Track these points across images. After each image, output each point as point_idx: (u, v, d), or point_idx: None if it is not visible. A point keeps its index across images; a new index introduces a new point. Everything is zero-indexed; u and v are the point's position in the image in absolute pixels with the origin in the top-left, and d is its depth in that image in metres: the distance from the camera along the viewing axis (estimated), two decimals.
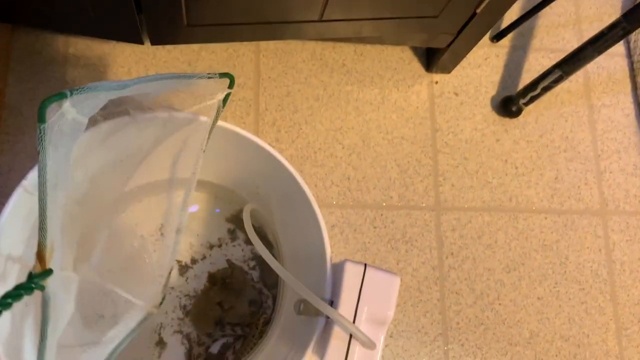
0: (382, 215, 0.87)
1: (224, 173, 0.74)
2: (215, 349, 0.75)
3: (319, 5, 0.71)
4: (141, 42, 0.76)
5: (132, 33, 0.73)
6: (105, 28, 0.74)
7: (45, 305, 0.41)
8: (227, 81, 0.55)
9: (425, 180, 0.90)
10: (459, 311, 0.86)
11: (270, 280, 0.78)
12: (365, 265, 0.54)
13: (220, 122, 0.59)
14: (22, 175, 0.81)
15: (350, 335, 0.52)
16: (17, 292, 0.37)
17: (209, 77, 0.52)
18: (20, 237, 0.56)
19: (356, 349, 0.52)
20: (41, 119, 0.39)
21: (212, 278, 0.77)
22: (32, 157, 0.81)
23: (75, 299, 0.49)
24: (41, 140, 0.39)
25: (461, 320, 0.86)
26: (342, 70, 0.92)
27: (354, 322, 0.52)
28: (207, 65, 0.89)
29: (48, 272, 0.41)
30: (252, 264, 0.79)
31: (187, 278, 0.77)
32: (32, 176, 0.54)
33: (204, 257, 0.79)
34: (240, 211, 0.80)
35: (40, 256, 0.40)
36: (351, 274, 0.53)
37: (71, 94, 0.39)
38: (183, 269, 0.77)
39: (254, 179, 0.70)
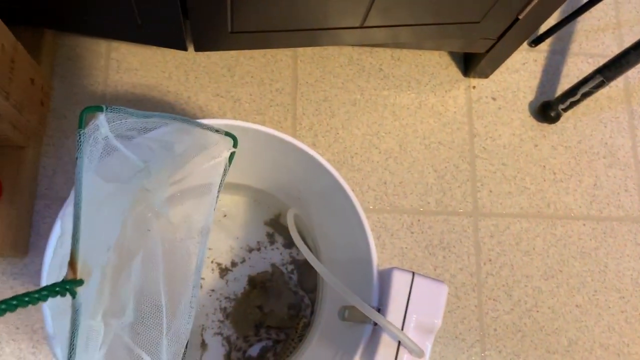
0: (419, 220, 0.87)
1: (264, 178, 0.74)
2: (254, 351, 0.76)
3: (362, 12, 0.71)
4: (185, 49, 0.77)
5: (177, 39, 0.74)
6: (151, 34, 0.75)
7: (75, 314, 0.40)
8: (231, 140, 0.56)
9: (463, 186, 0.89)
10: (497, 318, 0.86)
11: (309, 285, 0.79)
12: (413, 273, 0.54)
13: (262, 127, 0.59)
14: (67, 177, 0.83)
15: (399, 343, 0.52)
16: (44, 294, 0.37)
17: (216, 131, 0.54)
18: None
19: (404, 357, 0.52)
20: (80, 124, 0.42)
21: (252, 281, 0.78)
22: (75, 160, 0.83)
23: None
24: (79, 145, 0.42)
25: (499, 327, 0.85)
26: (379, 75, 0.92)
27: (402, 330, 0.53)
28: (246, 70, 0.90)
29: (79, 282, 0.41)
30: (290, 267, 0.80)
31: (227, 281, 0.78)
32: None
33: (243, 260, 0.79)
34: (279, 215, 0.81)
35: (72, 264, 0.40)
36: (399, 282, 0.53)
37: (107, 109, 0.43)
38: (223, 271, 0.78)
39: (295, 184, 0.70)
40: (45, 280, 0.53)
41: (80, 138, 0.41)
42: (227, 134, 0.55)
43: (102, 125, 0.43)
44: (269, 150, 0.64)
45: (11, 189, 0.77)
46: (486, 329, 0.85)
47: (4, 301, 0.33)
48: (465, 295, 0.86)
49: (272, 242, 0.81)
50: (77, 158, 0.42)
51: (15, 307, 0.34)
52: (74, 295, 0.40)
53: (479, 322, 0.85)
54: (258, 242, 0.81)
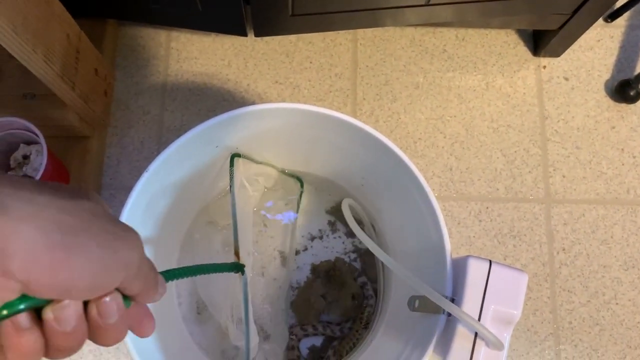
0: (487, 208, 0.83)
1: (328, 165, 0.73)
2: (318, 341, 0.74)
3: None
4: (245, 34, 0.76)
5: (238, 25, 0.73)
6: (212, 21, 0.74)
7: (245, 286, 0.58)
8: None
9: (534, 171, 0.85)
10: (572, 310, 0.81)
11: (372, 274, 0.77)
12: (490, 261, 0.51)
13: (329, 111, 0.57)
14: (131, 167, 0.84)
15: (475, 335, 0.49)
16: (224, 266, 0.50)
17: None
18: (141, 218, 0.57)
19: (482, 349, 0.49)
20: (231, 164, 0.63)
21: (315, 270, 0.76)
22: (139, 149, 0.83)
23: None
24: (231, 179, 0.63)
25: (574, 320, 0.81)
26: (443, 57, 0.89)
27: (479, 321, 0.50)
28: (305, 56, 0.88)
29: (242, 265, 0.59)
30: (353, 256, 0.78)
31: (290, 269, 0.77)
32: (153, 168, 0.55)
33: (305, 249, 0.78)
34: (341, 204, 0.79)
35: (237, 253, 0.59)
36: (475, 271, 0.50)
37: (240, 156, 0.64)
38: (285, 260, 0.77)
39: (360, 171, 0.68)
40: None
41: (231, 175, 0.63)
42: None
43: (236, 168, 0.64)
44: (333, 136, 0.62)
45: (78, 178, 0.78)
46: (560, 322, 0.80)
47: (188, 268, 0.39)
48: (537, 286, 0.81)
49: (334, 231, 0.79)
50: (230, 186, 0.63)
51: (196, 273, 0.41)
52: (242, 272, 0.58)
53: (552, 315, 0.81)
54: (320, 231, 0.79)
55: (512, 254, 0.82)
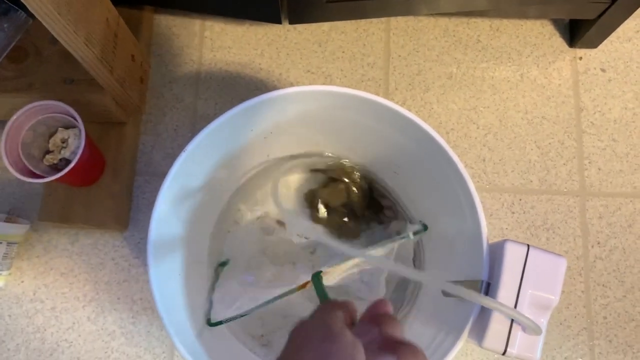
0: (520, 200, 0.82)
1: (361, 150, 0.72)
2: None
3: None
4: (279, 22, 0.76)
5: (273, 12, 0.73)
6: (247, 8, 0.75)
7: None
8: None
9: (568, 164, 0.83)
10: (606, 305, 0.79)
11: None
12: (528, 245, 0.50)
13: (367, 94, 0.57)
14: (164, 153, 0.85)
15: (512, 320, 0.49)
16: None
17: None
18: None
19: (518, 334, 0.49)
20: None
21: None
22: (172, 136, 0.84)
23: None
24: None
25: (609, 315, 0.79)
26: (476, 47, 0.88)
27: (515, 305, 0.49)
28: (337, 45, 0.88)
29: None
30: None
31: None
32: (191, 148, 0.55)
33: None
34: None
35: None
36: (513, 255, 0.50)
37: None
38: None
39: (394, 157, 0.68)
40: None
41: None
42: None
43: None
44: (370, 121, 0.62)
45: (113, 164, 0.79)
46: (594, 317, 0.79)
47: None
48: (570, 279, 0.80)
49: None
50: None
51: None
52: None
53: (586, 309, 0.79)
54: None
55: (545, 247, 0.80)
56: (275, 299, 0.62)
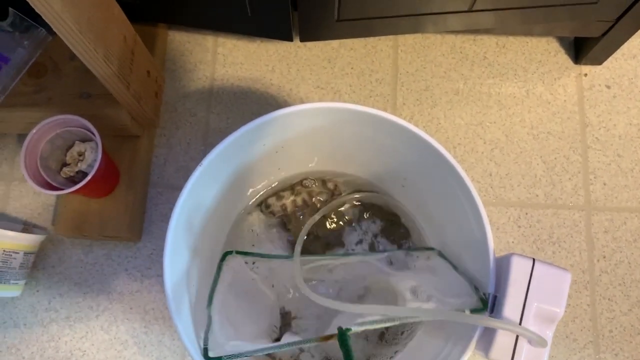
0: (526, 214, 0.83)
1: (370, 166, 0.74)
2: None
3: None
4: (291, 39, 0.78)
5: (284, 30, 0.75)
6: (259, 26, 0.77)
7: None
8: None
9: (574, 178, 0.85)
10: (612, 319, 0.80)
11: None
12: (534, 259, 0.51)
13: (376, 111, 0.59)
14: (177, 166, 0.87)
15: None
16: None
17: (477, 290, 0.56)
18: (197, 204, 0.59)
19: (524, 346, 0.50)
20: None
21: None
22: (185, 150, 0.86)
23: None
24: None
25: (615, 329, 0.80)
26: (483, 63, 0.90)
27: (521, 318, 0.50)
28: (346, 62, 0.90)
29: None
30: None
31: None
32: (207, 162, 0.57)
33: None
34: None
35: None
36: (518, 268, 0.51)
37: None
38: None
39: (401, 171, 0.69)
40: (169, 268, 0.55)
41: None
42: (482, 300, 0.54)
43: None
44: (379, 136, 0.64)
45: (128, 176, 0.81)
46: (600, 330, 0.80)
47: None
48: (576, 293, 0.81)
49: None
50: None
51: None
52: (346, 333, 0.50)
53: (592, 322, 0.80)
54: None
55: (551, 260, 0.82)
56: (290, 345, 0.52)
